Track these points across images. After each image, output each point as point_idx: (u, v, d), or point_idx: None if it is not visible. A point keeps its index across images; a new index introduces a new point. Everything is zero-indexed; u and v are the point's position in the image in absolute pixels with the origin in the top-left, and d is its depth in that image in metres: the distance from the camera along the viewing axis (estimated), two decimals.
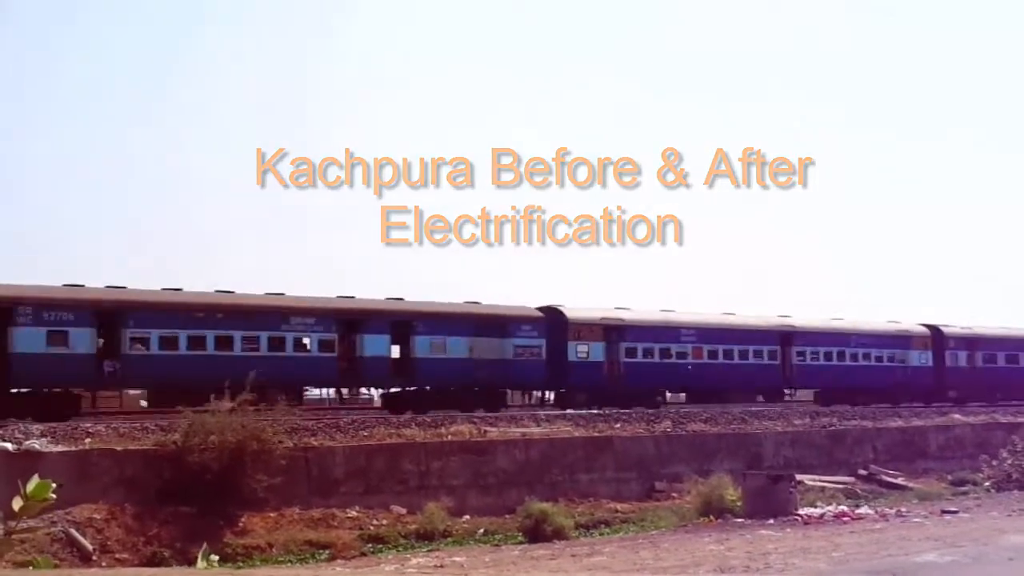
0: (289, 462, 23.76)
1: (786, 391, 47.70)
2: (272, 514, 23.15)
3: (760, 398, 45.83)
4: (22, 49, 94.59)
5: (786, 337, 45.80)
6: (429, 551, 21.89)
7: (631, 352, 40.89)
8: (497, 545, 22.83)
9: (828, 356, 47.02)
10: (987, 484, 33.00)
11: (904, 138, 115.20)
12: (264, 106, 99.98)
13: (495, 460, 27.35)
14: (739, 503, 25.63)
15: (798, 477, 27.91)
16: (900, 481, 33.22)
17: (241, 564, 20.69)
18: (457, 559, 20.03)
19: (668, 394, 44.99)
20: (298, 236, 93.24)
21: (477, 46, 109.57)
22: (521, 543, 22.94)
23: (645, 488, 29.48)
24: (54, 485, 8.42)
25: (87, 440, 23.53)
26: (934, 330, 51.22)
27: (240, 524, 22.51)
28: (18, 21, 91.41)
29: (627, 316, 41.42)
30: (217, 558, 20.29)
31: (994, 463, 33.84)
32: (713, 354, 43.23)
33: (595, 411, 34.43)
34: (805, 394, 49.96)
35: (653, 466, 30.18)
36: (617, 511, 27.01)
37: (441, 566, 18.92)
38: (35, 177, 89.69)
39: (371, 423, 28.04)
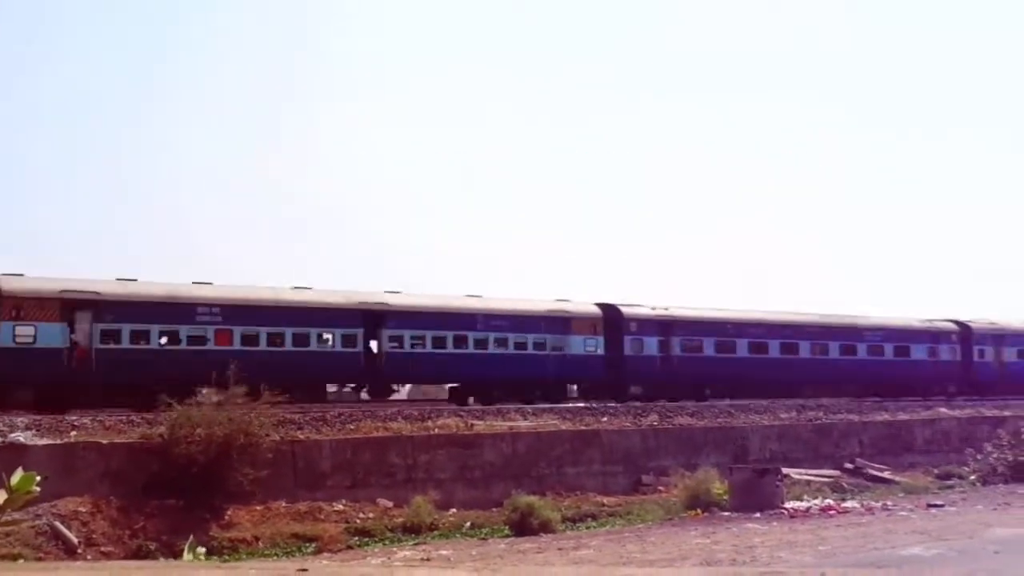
0: (275, 455, 23.73)
1: (394, 387, 39.02)
2: (258, 507, 23.12)
3: (365, 395, 37.86)
4: (13, 47, 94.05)
5: (374, 318, 36.72)
6: (415, 544, 21.85)
7: (112, 336, 31.90)
8: (484, 538, 22.84)
9: (440, 342, 37.79)
10: (973, 478, 33.08)
11: (904, 138, 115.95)
12: (263, 106, 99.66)
13: (482, 453, 27.35)
14: (725, 496, 25.69)
15: (784, 471, 27.95)
16: (886, 475, 33.27)
17: (227, 557, 20.68)
18: (443, 552, 19.98)
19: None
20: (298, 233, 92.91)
21: (477, 46, 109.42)
22: (508, 536, 22.93)
23: (632, 481, 29.47)
24: (39, 478, 8.41)
25: (72, 433, 23.54)
26: (609, 310, 42.32)
27: (226, 517, 22.50)
28: (9, 17, 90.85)
29: (107, 289, 32.41)
30: (204, 550, 20.35)
31: (979, 457, 33.97)
32: (251, 339, 33.95)
33: (584, 404, 34.37)
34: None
35: (640, 460, 30.21)
36: (604, 504, 27.00)
37: (427, 559, 18.92)
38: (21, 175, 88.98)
39: (358, 416, 28.08)
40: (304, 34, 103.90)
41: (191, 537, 20.75)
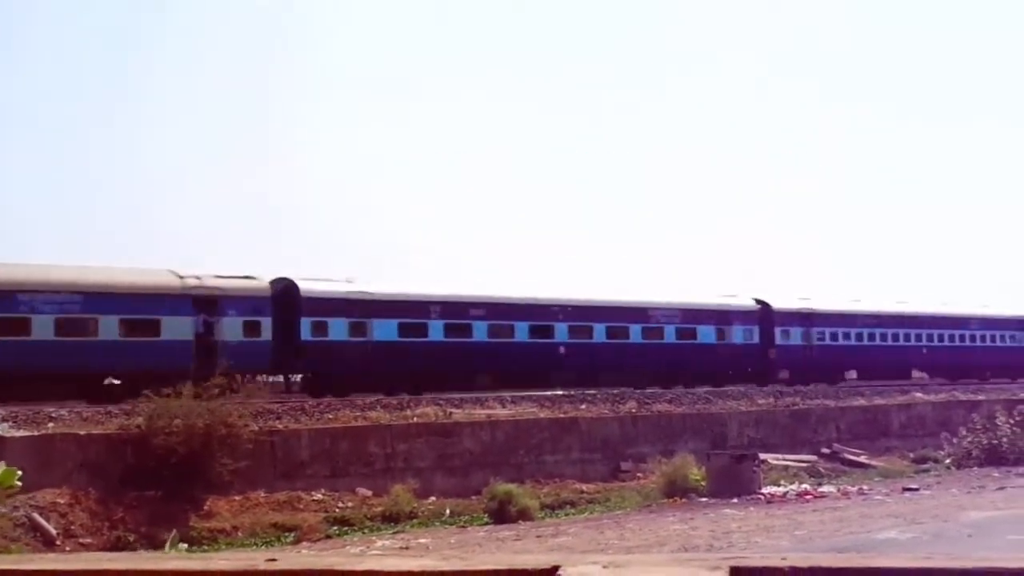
0: (254, 445, 23.85)
1: None
2: (237, 497, 23.24)
3: None
4: None
5: None
6: (395, 533, 21.97)
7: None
8: (463, 527, 22.96)
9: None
10: (948, 462, 33.41)
11: (904, 137, 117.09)
12: (261, 107, 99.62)
13: (461, 442, 27.52)
14: (703, 483, 25.84)
15: (762, 456, 28.17)
16: (863, 459, 33.52)
17: (207, 548, 20.68)
18: (422, 541, 20.08)
19: None
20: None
21: (476, 46, 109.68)
22: (487, 524, 23.07)
23: (610, 468, 29.65)
24: (20, 473, 8.50)
25: (50, 424, 23.54)
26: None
27: (205, 508, 22.63)
28: None
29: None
30: (186, 546, 20.39)
31: (954, 441, 34.27)
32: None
33: (560, 392, 34.60)
34: None
35: (618, 446, 30.40)
36: (582, 492, 27.12)
37: (406, 548, 19.06)
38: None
39: (336, 406, 28.21)
40: (302, 31, 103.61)
41: (174, 532, 20.84)
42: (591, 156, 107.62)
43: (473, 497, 25.39)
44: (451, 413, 28.93)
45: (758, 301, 46.39)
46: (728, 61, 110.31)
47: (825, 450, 34.17)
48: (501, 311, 37.86)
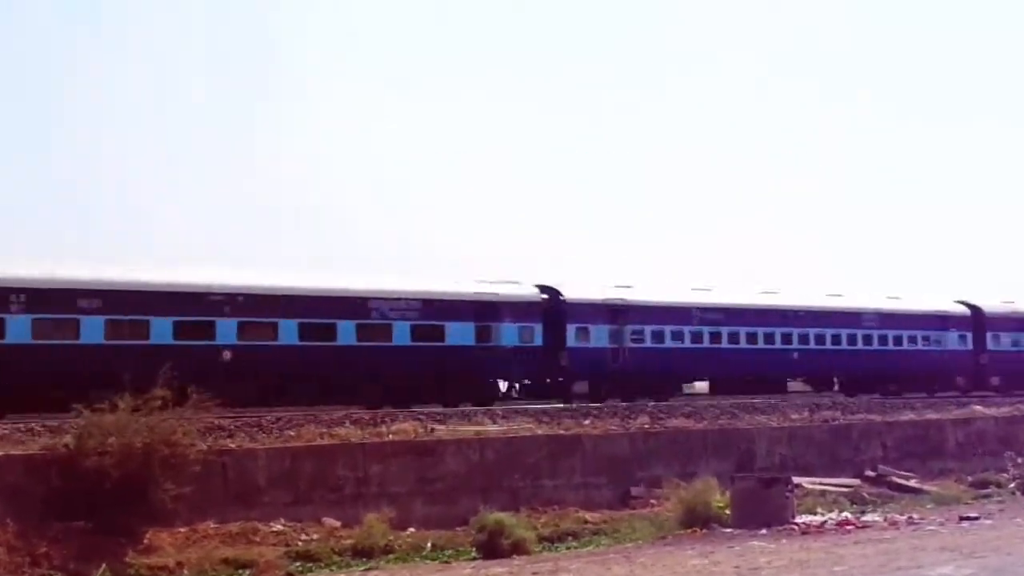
0: (203, 468, 22.88)
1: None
2: (183, 529, 22.50)
3: None
4: None
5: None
6: (367, 570, 21.60)
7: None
8: (447, 562, 22.56)
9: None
10: (1012, 486, 32.92)
11: (904, 137, 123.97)
12: (260, 107, 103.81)
13: (444, 463, 26.79)
14: (727, 510, 25.31)
15: (795, 480, 27.53)
16: (913, 483, 33.04)
17: None
18: None
19: None
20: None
21: (477, 46, 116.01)
22: (474, 559, 22.65)
23: (619, 494, 29.10)
24: None
25: None
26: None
27: (145, 541, 21.85)
28: None
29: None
30: None
31: (1020, 461, 33.97)
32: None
33: (561, 406, 34.17)
34: None
35: (629, 469, 29.71)
36: (586, 521, 26.72)
37: None
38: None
39: (299, 421, 27.54)
40: (302, 31, 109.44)
41: (103, 566, 20.26)
42: (591, 156, 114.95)
43: (459, 528, 24.87)
44: (433, 429, 28.37)
45: (544, 289, 40.91)
46: (728, 61, 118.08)
47: (869, 472, 33.70)
48: (128, 301, 31.65)
